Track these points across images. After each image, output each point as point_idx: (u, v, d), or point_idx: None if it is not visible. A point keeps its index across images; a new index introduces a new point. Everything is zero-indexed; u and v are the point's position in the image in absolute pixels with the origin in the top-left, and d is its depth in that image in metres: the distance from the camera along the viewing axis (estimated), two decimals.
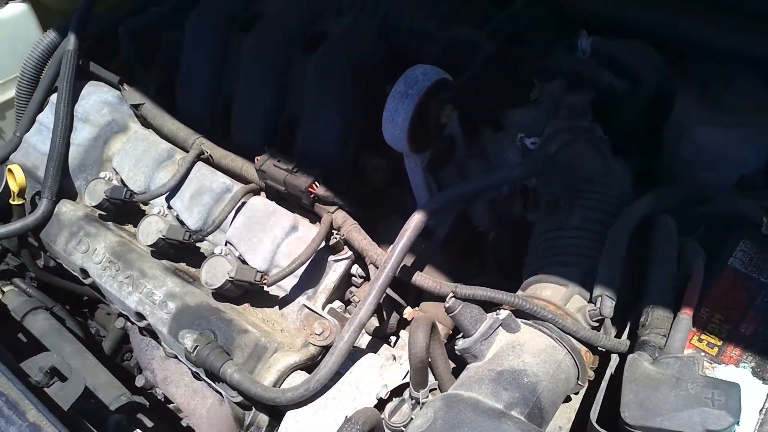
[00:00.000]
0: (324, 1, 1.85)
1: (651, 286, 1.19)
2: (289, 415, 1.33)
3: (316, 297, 1.51)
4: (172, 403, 1.72)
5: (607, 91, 1.56)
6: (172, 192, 1.73)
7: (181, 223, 1.70)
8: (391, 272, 1.30)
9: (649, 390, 1.03)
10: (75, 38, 1.88)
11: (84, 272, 1.71)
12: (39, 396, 1.13)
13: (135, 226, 1.67)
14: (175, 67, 1.93)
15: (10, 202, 1.80)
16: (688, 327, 1.12)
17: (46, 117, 1.93)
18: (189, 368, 1.60)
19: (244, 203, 1.63)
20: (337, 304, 1.53)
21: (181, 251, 1.67)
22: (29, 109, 1.95)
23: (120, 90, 1.95)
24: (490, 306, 1.22)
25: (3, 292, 1.89)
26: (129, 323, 1.82)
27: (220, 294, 1.53)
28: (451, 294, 1.21)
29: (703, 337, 1.14)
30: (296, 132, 1.69)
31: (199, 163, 1.75)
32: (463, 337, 1.18)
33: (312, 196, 1.53)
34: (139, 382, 1.75)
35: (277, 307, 1.54)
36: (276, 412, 1.40)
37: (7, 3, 2.11)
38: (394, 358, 1.40)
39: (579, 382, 1.18)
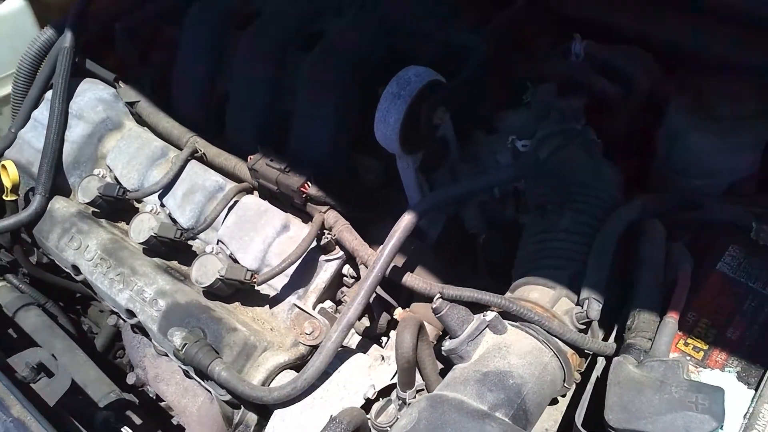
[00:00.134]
0: (323, 0, 1.85)
1: (638, 289, 1.19)
2: (277, 414, 1.33)
3: (306, 296, 1.51)
4: (164, 401, 1.72)
5: (600, 96, 1.56)
6: (165, 190, 1.73)
7: (174, 221, 1.71)
8: (380, 272, 1.30)
9: (634, 393, 1.03)
10: (71, 35, 1.88)
11: (75, 269, 1.72)
12: (25, 391, 1.13)
13: (128, 223, 1.67)
14: (171, 65, 1.93)
15: (3, 198, 1.81)
16: (673, 331, 1.12)
17: (41, 113, 1.93)
18: (180, 366, 1.60)
19: (236, 202, 1.64)
20: (328, 303, 1.53)
21: (173, 249, 1.67)
22: (24, 106, 1.95)
23: (115, 87, 1.96)
24: (478, 307, 1.22)
25: None
26: (121, 320, 1.82)
27: (210, 292, 1.53)
28: (438, 295, 1.21)
29: (689, 341, 1.14)
30: (290, 131, 1.69)
31: (193, 161, 1.76)
32: (450, 338, 1.18)
33: (304, 195, 1.53)
34: (131, 379, 1.75)
35: (267, 306, 1.54)
36: (264, 411, 1.40)
37: None
38: (383, 358, 1.40)
39: (565, 385, 1.18)
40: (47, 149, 1.80)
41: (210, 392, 1.53)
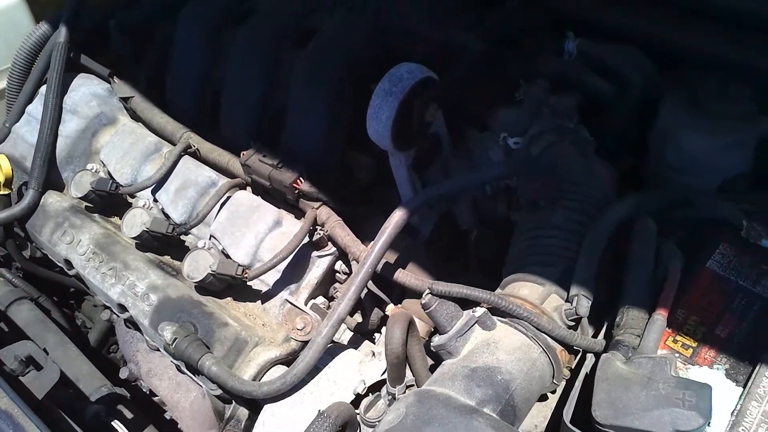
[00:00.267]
0: None
1: (627, 287, 1.19)
2: (267, 408, 1.33)
3: (298, 292, 1.51)
4: (157, 396, 1.72)
5: (594, 94, 1.56)
6: (158, 185, 1.73)
7: (166, 216, 1.71)
8: (370, 268, 1.30)
9: (621, 389, 1.03)
10: (66, 30, 1.88)
11: (68, 263, 1.72)
12: (13, 384, 1.13)
13: (121, 218, 1.67)
14: (166, 61, 1.93)
15: None
16: (662, 328, 1.12)
17: (35, 108, 1.93)
18: (172, 361, 1.60)
19: (229, 197, 1.64)
20: (320, 299, 1.53)
21: (166, 244, 1.67)
22: (19, 100, 1.96)
23: (110, 83, 1.96)
24: (468, 303, 1.22)
25: None
26: (115, 315, 1.82)
27: (202, 287, 1.53)
28: (427, 290, 1.21)
29: (678, 338, 1.14)
30: (283, 127, 1.69)
31: (186, 156, 1.76)
32: (439, 333, 1.18)
33: (296, 191, 1.53)
34: (123, 374, 1.75)
35: (259, 301, 1.54)
36: (255, 406, 1.40)
37: None
38: (374, 354, 1.40)
39: (554, 381, 1.18)
40: (41, 144, 1.80)
41: (202, 387, 1.53)
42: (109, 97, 1.94)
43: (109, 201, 1.76)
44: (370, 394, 1.31)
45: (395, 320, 1.18)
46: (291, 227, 1.57)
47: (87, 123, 1.88)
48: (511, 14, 1.75)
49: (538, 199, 1.35)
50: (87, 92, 1.92)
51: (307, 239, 1.52)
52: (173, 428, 1.66)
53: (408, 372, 1.24)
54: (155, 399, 1.72)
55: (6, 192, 1.81)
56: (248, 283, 1.52)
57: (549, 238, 1.30)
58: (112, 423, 1.43)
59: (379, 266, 1.36)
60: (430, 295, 1.19)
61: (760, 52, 1.54)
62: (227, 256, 1.55)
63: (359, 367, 1.35)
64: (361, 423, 1.25)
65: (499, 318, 1.19)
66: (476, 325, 1.17)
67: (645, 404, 1.00)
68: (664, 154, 1.52)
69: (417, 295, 1.35)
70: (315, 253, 1.53)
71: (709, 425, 1.00)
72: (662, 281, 1.19)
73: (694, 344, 1.13)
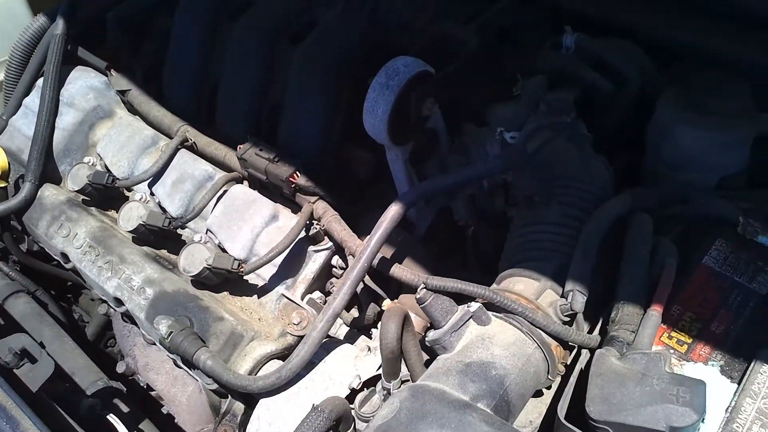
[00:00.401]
0: None
1: (622, 282, 1.19)
2: (262, 403, 1.33)
3: (295, 287, 1.51)
4: (154, 390, 1.72)
5: (591, 89, 1.56)
6: (155, 178, 1.73)
7: (163, 209, 1.70)
8: (366, 263, 1.30)
9: (615, 385, 1.03)
10: (63, 23, 1.88)
11: (64, 257, 1.72)
12: (7, 377, 1.13)
13: (118, 211, 1.67)
14: (163, 54, 1.93)
15: None
16: (656, 324, 1.12)
17: (32, 101, 1.93)
18: (168, 356, 1.60)
19: (225, 191, 1.63)
20: (316, 294, 1.53)
21: (162, 238, 1.67)
22: (16, 93, 1.96)
23: (107, 76, 1.95)
24: (463, 298, 1.22)
25: None
26: (112, 309, 1.82)
27: (198, 281, 1.53)
28: (422, 285, 1.20)
29: (673, 334, 1.14)
30: (280, 121, 1.69)
31: (183, 150, 1.75)
32: (434, 328, 1.18)
33: (293, 185, 1.53)
34: (120, 368, 1.75)
35: (256, 296, 1.54)
36: (251, 400, 1.40)
37: None
38: (369, 349, 1.40)
39: (549, 377, 1.18)
40: (37, 136, 1.80)
41: (199, 382, 1.53)
42: (106, 90, 1.94)
43: (105, 194, 1.76)
44: (366, 388, 1.31)
45: (390, 315, 1.18)
46: (287, 221, 1.57)
47: (84, 116, 1.88)
48: (508, 8, 1.74)
49: (535, 195, 1.34)
50: (84, 85, 1.91)
51: (303, 234, 1.52)
52: (170, 423, 1.66)
53: (403, 367, 1.24)
54: (152, 393, 1.72)
55: (3, 185, 1.81)
56: (244, 278, 1.52)
57: (545, 234, 1.30)
58: (108, 416, 1.43)
59: (375, 261, 1.35)
60: (425, 289, 1.19)
61: (758, 49, 1.54)
62: (223, 250, 1.55)
63: (354, 362, 1.35)
64: (355, 417, 1.25)
65: (494, 313, 1.19)
66: (471, 320, 1.16)
67: (639, 400, 1.00)
68: (661, 151, 1.51)
69: (413, 290, 1.35)
70: (311, 248, 1.53)
71: (703, 421, 1.01)
72: (658, 277, 1.19)
73: (689, 340, 1.13)
